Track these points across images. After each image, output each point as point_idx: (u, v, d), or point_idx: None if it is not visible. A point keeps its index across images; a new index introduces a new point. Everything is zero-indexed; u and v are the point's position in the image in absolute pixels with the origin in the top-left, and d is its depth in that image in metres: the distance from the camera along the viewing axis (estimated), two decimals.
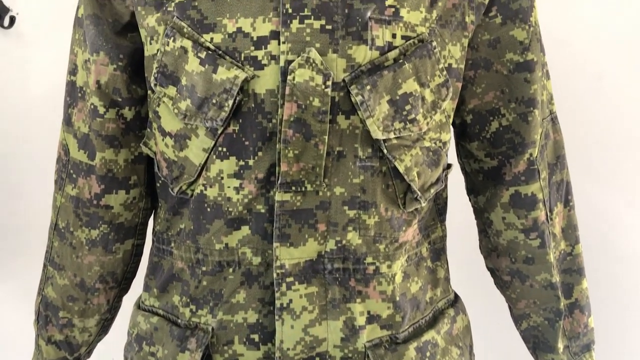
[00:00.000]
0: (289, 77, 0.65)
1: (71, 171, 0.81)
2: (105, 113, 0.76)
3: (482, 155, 0.83)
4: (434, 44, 0.70)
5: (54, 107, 1.22)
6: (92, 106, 0.76)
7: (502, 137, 0.80)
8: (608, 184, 1.23)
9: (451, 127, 0.79)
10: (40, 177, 1.22)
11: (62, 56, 1.17)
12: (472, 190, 0.88)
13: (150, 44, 0.72)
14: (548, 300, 0.86)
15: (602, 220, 1.22)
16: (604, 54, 1.22)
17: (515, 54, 0.77)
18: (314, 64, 0.65)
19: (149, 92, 0.75)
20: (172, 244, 0.78)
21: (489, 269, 0.92)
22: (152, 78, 0.71)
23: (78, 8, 0.78)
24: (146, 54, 0.73)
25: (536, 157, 0.80)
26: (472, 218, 0.91)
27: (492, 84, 0.78)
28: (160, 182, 0.79)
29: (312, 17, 0.65)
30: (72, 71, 0.80)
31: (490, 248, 0.89)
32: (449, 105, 0.74)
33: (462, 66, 0.75)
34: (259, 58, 0.66)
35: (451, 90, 0.72)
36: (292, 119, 0.66)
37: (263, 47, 0.66)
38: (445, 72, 0.71)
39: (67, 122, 0.81)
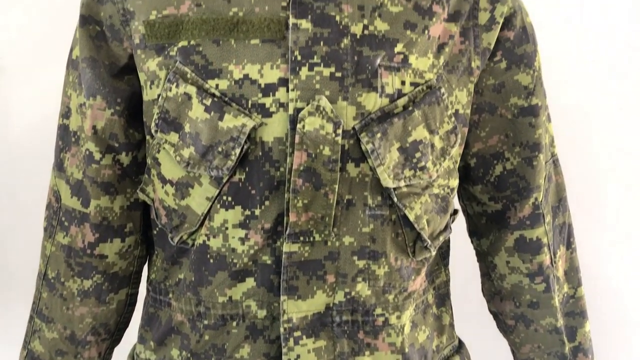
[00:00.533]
0: (298, 125, 0.63)
1: (63, 218, 0.77)
2: (102, 159, 0.73)
3: (485, 198, 0.82)
4: (442, 90, 0.69)
5: (34, 145, 1.18)
6: (87, 152, 0.73)
7: (507, 181, 0.80)
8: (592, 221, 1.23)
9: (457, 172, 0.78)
10: (20, 220, 1.18)
11: (44, 94, 1.14)
12: (475, 232, 0.87)
13: (150, 88, 0.69)
14: (553, 345, 0.85)
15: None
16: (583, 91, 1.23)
17: (520, 99, 0.76)
18: (324, 112, 0.63)
19: (148, 137, 0.72)
20: (171, 295, 0.74)
21: (492, 312, 0.90)
22: (153, 124, 0.69)
23: (72, 49, 0.75)
24: (145, 98, 0.71)
25: (541, 201, 0.80)
26: (473, 260, 0.90)
27: (497, 127, 0.78)
28: (157, 229, 0.76)
29: (322, 64, 0.64)
30: (65, 114, 0.77)
31: (494, 291, 0.87)
32: (456, 150, 0.73)
33: (469, 111, 0.74)
34: (267, 105, 0.64)
35: (459, 137, 0.72)
36: (302, 168, 0.64)
37: (271, 94, 0.64)
38: (453, 119, 0.70)
39: (59, 167, 0.77)
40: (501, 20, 0.73)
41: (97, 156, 0.73)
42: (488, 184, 0.81)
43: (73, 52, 0.75)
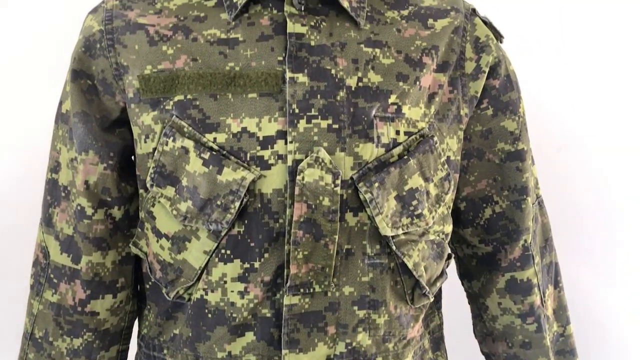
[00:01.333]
0: (298, 177, 0.63)
1: (51, 275, 0.75)
2: (94, 214, 0.72)
3: (476, 241, 0.83)
4: (435, 139, 0.70)
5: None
6: (78, 207, 0.72)
7: (496, 223, 0.81)
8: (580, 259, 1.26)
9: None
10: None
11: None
12: (466, 275, 0.88)
13: (145, 142, 0.69)
14: None
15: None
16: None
17: (506, 144, 0.79)
18: (323, 163, 0.64)
19: (141, 191, 0.72)
20: (165, 351, 0.73)
21: (484, 353, 0.91)
22: (148, 178, 0.68)
23: (61, 103, 0.74)
24: (139, 152, 0.70)
25: (530, 242, 0.81)
26: (464, 302, 0.90)
27: (485, 172, 0.80)
28: (150, 283, 0.74)
29: (319, 116, 0.65)
30: (54, 169, 0.75)
31: (486, 333, 0.88)
32: (449, 197, 0.75)
33: (459, 157, 0.76)
34: (266, 158, 0.64)
35: (452, 183, 0.73)
36: (302, 219, 0.64)
37: (269, 146, 0.65)
38: (446, 166, 0.72)
39: (47, 222, 0.75)
40: (487, 70, 0.75)
41: (89, 211, 0.71)
42: (478, 227, 0.82)
43: (62, 106, 0.74)
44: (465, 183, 0.80)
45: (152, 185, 0.68)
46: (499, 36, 0.79)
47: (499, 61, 0.76)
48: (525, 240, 0.81)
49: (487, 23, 0.78)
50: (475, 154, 0.79)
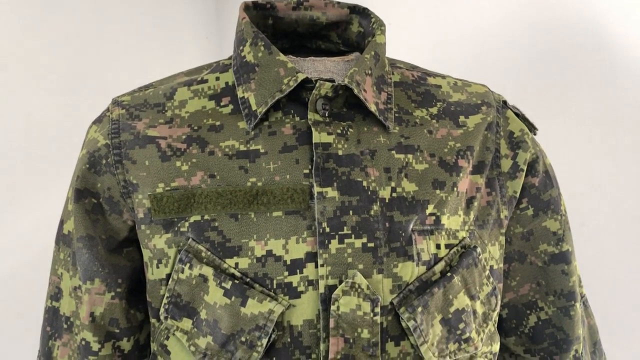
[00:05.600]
0: (332, 307, 0.56)
1: None
2: (100, 349, 0.64)
3: (520, 350, 0.75)
4: (478, 250, 0.64)
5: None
6: (83, 342, 0.64)
7: (543, 332, 0.74)
8: None
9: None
10: None
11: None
12: None
13: (158, 267, 0.62)
14: None
15: None
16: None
17: (549, 245, 0.72)
18: (360, 290, 0.57)
19: (153, 320, 0.64)
20: None
21: None
22: (162, 309, 0.61)
23: (62, 222, 0.67)
24: (150, 277, 0.63)
25: (581, 352, 0.74)
26: None
27: (528, 276, 0.73)
28: None
29: (353, 235, 0.58)
30: (55, 296, 0.67)
31: None
32: (496, 313, 0.67)
33: (502, 265, 0.69)
34: (295, 284, 0.57)
35: (499, 298, 0.66)
36: (339, 356, 0.56)
37: (298, 271, 0.58)
38: (491, 279, 0.65)
39: (47, 357, 0.67)
40: (525, 167, 0.69)
41: (96, 347, 0.63)
42: (522, 336, 0.75)
43: (64, 226, 0.67)
44: (506, 288, 0.73)
45: (166, 318, 0.61)
46: (532, 128, 0.74)
47: (537, 157, 0.71)
48: (576, 351, 0.73)
49: (519, 115, 0.73)
50: (517, 257, 0.72)
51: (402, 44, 1.54)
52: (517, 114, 0.72)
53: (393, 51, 1.57)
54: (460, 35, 1.41)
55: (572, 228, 1.21)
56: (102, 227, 0.65)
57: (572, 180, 1.23)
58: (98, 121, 0.67)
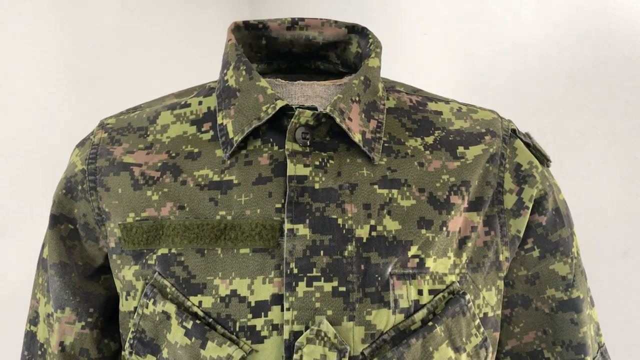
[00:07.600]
0: (295, 356, 0.52)
1: None
2: None
3: None
4: (468, 297, 0.58)
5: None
6: None
7: None
8: None
9: None
10: None
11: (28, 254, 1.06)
12: None
13: (127, 299, 0.60)
14: None
15: None
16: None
17: (557, 291, 0.65)
18: (325, 338, 0.52)
19: (124, 352, 0.62)
20: None
21: None
22: (127, 344, 0.59)
23: (44, 246, 0.67)
24: (121, 308, 0.61)
25: None
26: None
27: (533, 323, 0.66)
28: None
29: (322, 278, 0.54)
30: (33, 320, 0.67)
31: None
32: None
33: (499, 312, 0.63)
34: (258, 328, 0.54)
35: (490, 350, 0.60)
36: None
37: (263, 314, 0.54)
38: (482, 329, 0.59)
39: None
40: (530, 205, 0.63)
41: None
42: None
43: (44, 250, 0.66)
44: (509, 335, 0.67)
45: (130, 353, 0.58)
46: (544, 160, 0.67)
47: (545, 193, 0.64)
48: None
49: (529, 146, 0.66)
50: (520, 302, 0.66)
51: (436, 56, 1.47)
52: (527, 144, 0.66)
53: (425, 64, 1.51)
54: (497, 50, 1.33)
55: (614, 258, 1.12)
56: (79, 253, 0.63)
57: (615, 206, 1.13)
58: (81, 144, 0.66)
